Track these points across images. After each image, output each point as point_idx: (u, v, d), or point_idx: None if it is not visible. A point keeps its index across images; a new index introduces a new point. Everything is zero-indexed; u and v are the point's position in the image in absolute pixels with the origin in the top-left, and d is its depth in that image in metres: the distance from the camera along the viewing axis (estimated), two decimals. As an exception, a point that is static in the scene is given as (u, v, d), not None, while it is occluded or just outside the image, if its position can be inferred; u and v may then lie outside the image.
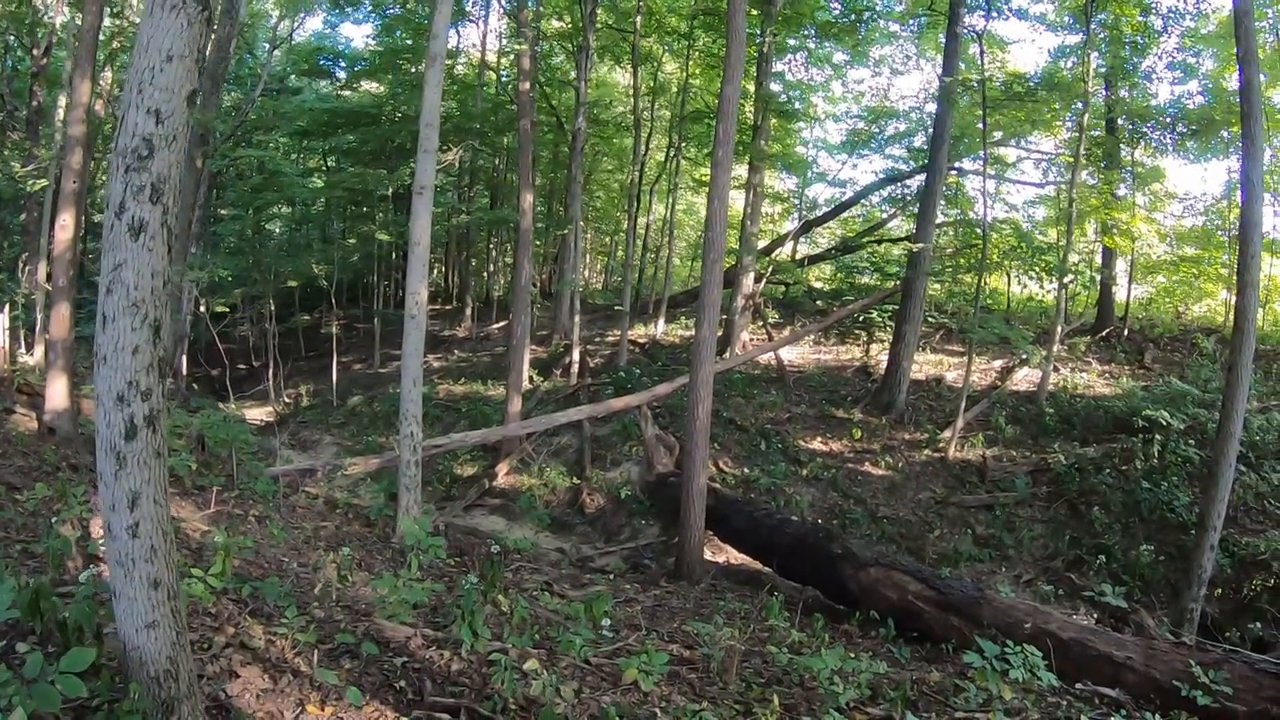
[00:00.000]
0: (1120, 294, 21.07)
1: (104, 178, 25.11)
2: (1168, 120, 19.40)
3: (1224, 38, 17.76)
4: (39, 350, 14.03)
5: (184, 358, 20.79)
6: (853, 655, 6.51)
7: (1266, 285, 15.84)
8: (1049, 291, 19.66)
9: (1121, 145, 20.03)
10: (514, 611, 6.21)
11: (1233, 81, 12.06)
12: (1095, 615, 9.58)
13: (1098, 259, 20.95)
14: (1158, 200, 22.63)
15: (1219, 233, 21.16)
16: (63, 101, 16.17)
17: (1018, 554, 11.93)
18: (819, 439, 15.45)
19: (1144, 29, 17.71)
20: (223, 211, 29.68)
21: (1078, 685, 6.53)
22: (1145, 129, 19.96)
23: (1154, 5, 17.31)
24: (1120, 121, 19.73)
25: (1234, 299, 11.37)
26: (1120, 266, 21.26)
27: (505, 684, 4.65)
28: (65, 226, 10.36)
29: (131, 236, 2.92)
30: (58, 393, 10.10)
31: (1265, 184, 12.34)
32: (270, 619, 5.15)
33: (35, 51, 17.50)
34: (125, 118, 2.96)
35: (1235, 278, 10.83)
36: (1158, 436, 12.79)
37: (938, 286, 20.95)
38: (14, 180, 15.17)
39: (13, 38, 18.59)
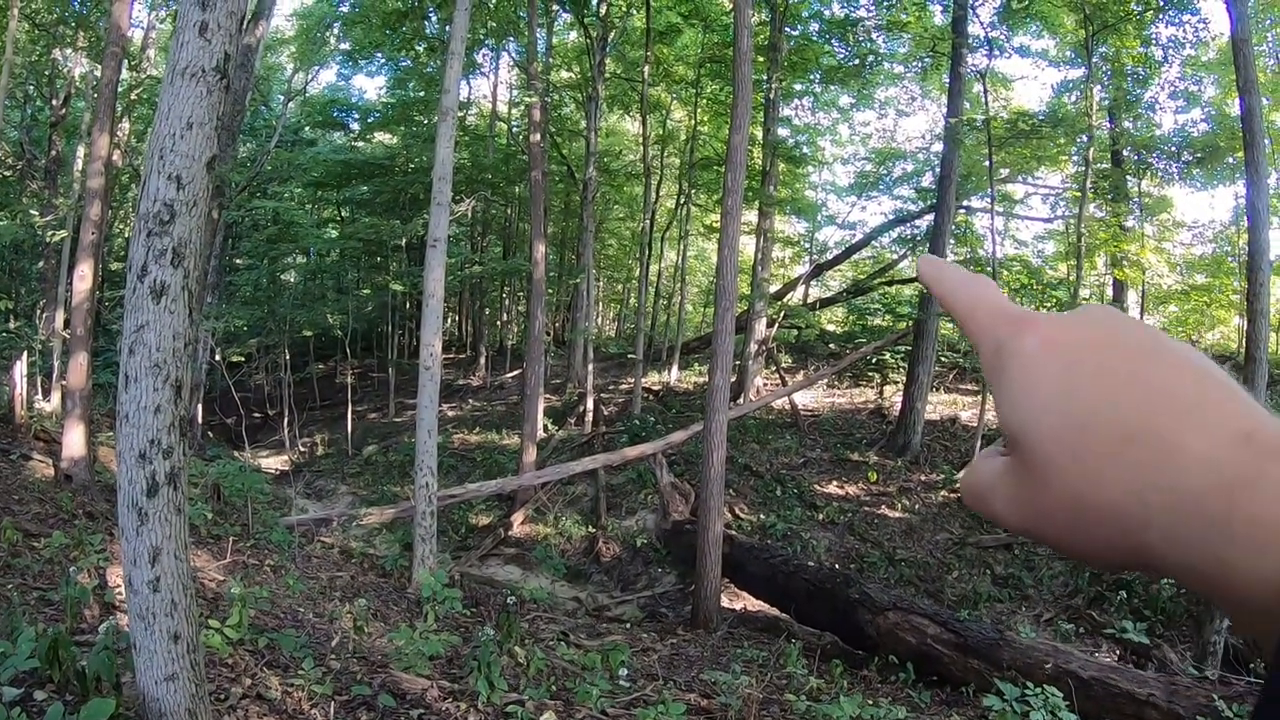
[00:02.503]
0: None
1: (121, 226, 25.57)
2: (1173, 149, 19.43)
3: (1225, 64, 17.86)
4: (55, 397, 14.15)
5: (199, 407, 20.92)
6: (871, 701, 6.44)
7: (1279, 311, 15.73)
8: (1061, 328, 19.59)
9: (1128, 176, 20.10)
10: (530, 662, 6.19)
11: (1235, 106, 12.11)
12: (1117, 652, 9.44)
13: (1109, 292, 20.94)
14: (1166, 230, 22.67)
15: (1229, 259, 21.12)
16: (81, 151, 16.48)
17: (1037, 593, 11.79)
18: (834, 483, 15.38)
19: (1145, 60, 17.84)
20: (238, 261, 30.01)
21: (1102, 728, 6.44)
22: (1151, 159, 20.02)
23: (1154, 36, 17.39)
24: (1126, 153, 19.81)
25: (1245, 326, 11.35)
26: (1132, 298, 21.22)
27: (522, 735, 4.63)
28: (84, 277, 10.50)
29: (154, 299, 3.00)
30: (75, 441, 10.17)
31: (1272, 208, 12.34)
32: (287, 670, 5.15)
33: (54, 102, 17.86)
34: (147, 183, 3.06)
35: (1246, 306, 10.82)
36: (1176, 469, 12.69)
37: (950, 326, 20.93)
38: (33, 229, 15.41)
39: (32, 87, 19.01)
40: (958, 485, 14.22)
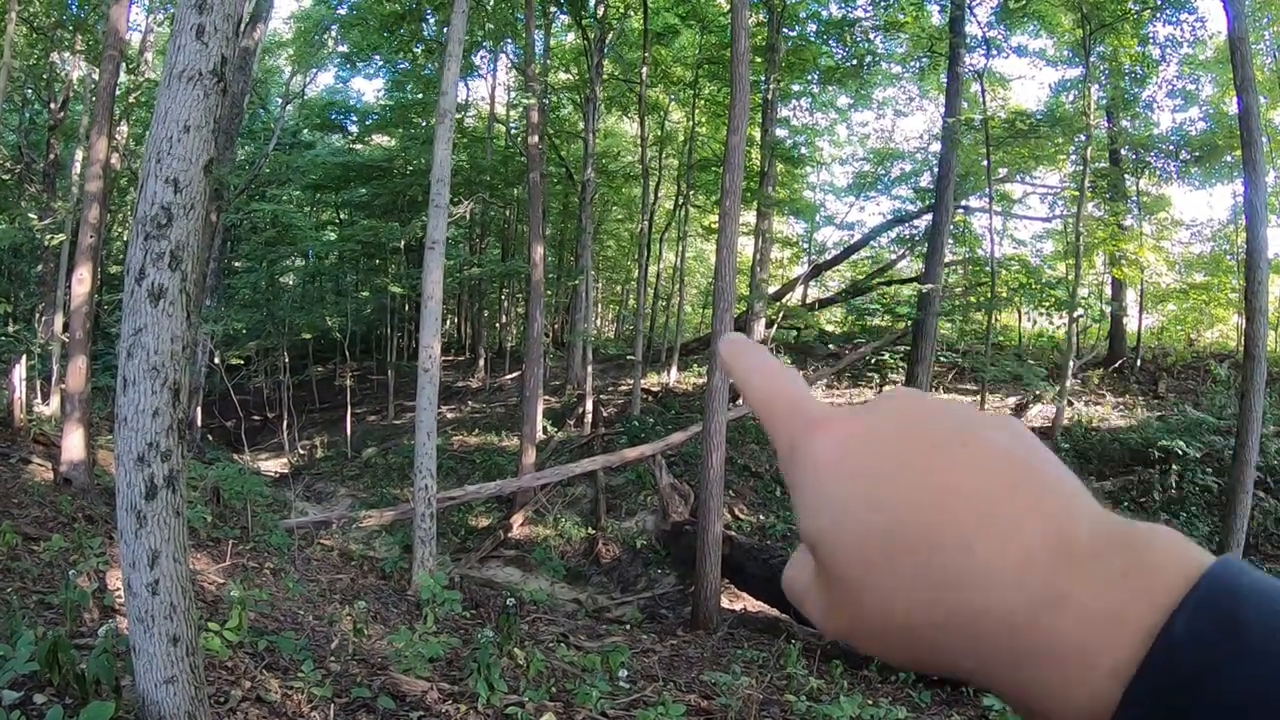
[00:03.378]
0: (1131, 324, 21.00)
1: (119, 229, 25.56)
2: (1171, 148, 19.47)
3: (1222, 63, 17.87)
4: (55, 400, 14.15)
5: (199, 410, 20.92)
6: (872, 702, 6.44)
7: (1278, 309, 15.74)
8: (1059, 326, 19.66)
9: (1126, 175, 20.13)
10: (530, 664, 6.19)
11: (1233, 105, 12.12)
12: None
13: (1107, 291, 20.98)
14: (1164, 228, 22.69)
15: (1227, 257, 21.13)
16: (79, 155, 16.47)
17: (1038, 593, 11.78)
18: (834, 482, 15.36)
19: (1142, 59, 17.87)
20: (237, 264, 30.01)
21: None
22: (1149, 158, 20.06)
23: (1151, 35, 17.44)
24: (1124, 152, 19.84)
25: (1244, 324, 11.37)
26: (1130, 297, 21.23)
27: (522, 737, 4.63)
28: (82, 280, 10.49)
29: (151, 302, 3.00)
30: (74, 444, 10.17)
31: (1270, 207, 12.38)
32: (286, 672, 5.15)
33: (52, 105, 17.85)
34: (144, 187, 3.05)
35: (1245, 304, 10.83)
36: (1174, 467, 12.71)
37: (949, 325, 20.96)
38: (31, 233, 15.40)
39: (30, 91, 19.00)
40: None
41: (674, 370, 23.58)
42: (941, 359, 19.99)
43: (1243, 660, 0.27)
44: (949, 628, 0.33)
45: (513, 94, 29.11)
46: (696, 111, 23.19)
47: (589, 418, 19.70)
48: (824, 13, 20.55)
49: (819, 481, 0.38)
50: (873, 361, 21.39)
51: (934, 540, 0.33)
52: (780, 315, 22.65)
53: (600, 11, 20.62)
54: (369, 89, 42.51)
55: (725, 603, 11.29)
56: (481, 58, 27.18)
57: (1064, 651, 0.30)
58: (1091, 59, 17.08)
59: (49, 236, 14.99)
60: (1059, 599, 0.31)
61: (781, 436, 0.42)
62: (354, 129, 31.69)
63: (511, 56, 25.17)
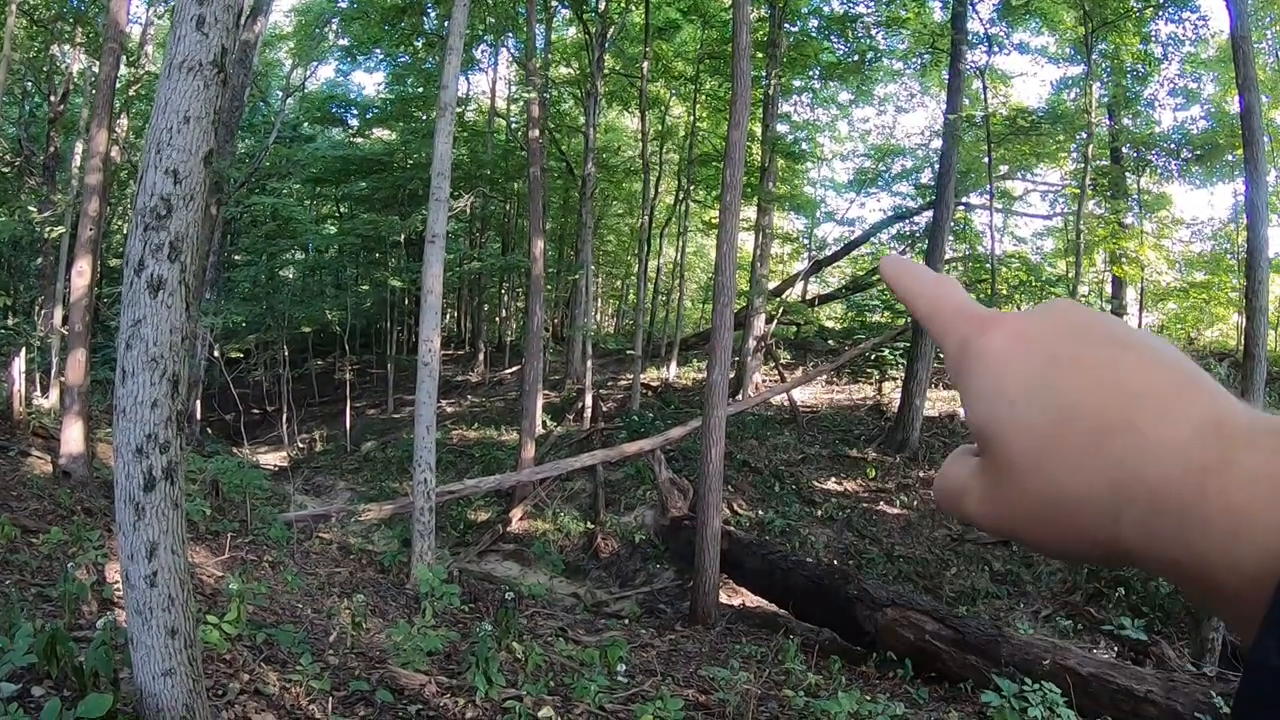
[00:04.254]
0: (1131, 323, 20.94)
1: (119, 223, 25.53)
2: (1172, 146, 19.46)
3: (1224, 61, 17.87)
4: (54, 393, 14.15)
5: (198, 403, 20.92)
6: (869, 698, 6.44)
7: (1278, 308, 15.74)
8: (1060, 325, 19.61)
9: (1127, 173, 20.11)
10: (528, 658, 6.19)
11: (1235, 104, 12.11)
12: (1115, 649, 9.45)
13: (1108, 288, 20.98)
14: (1165, 227, 22.67)
15: (1228, 256, 21.11)
16: (79, 148, 16.43)
17: (1036, 589, 11.80)
18: (833, 479, 15.39)
19: (1144, 57, 17.86)
20: (237, 258, 29.97)
21: (1099, 722, 6.45)
22: (1150, 156, 20.05)
23: (1153, 33, 17.42)
24: (1125, 150, 19.82)
25: (1244, 323, 11.37)
26: (1130, 295, 21.24)
27: (520, 730, 4.63)
28: (82, 273, 10.49)
29: (150, 294, 2.99)
30: (73, 437, 10.17)
31: (1271, 206, 12.37)
32: (285, 666, 5.16)
33: (52, 98, 17.80)
34: (144, 178, 3.04)
35: (1245, 303, 10.83)
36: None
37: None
38: (31, 225, 15.37)
39: (30, 83, 18.96)
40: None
41: (674, 365, 23.57)
42: (941, 355, 19.93)
43: None
44: (1124, 498, 0.35)
45: (513, 88, 29.07)
46: (697, 106, 23.15)
47: (588, 412, 19.70)
48: (826, 8, 20.57)
49: (995, 371, 0.41)
50: (872, 358, 21.37)
51: (1108, 421, 0.36)
52: (780, 311, 22.63)
53: (602, 6, 20.58)
54: (369, 82, 42.29)
55: (724, 598, 11.29)
56: (482, 52, 27.17)
57: (1235, 509, 0.31)
58: (1093, 56, 17.06)
59: (49, 229, 14.97)
60: (1225, 465, 0.32)
61: (950, 336, 0.45)
62: (354, 122, 31.65)
63: (512, 50, 25.13)
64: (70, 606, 5.13)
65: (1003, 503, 0.40)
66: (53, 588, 5.73)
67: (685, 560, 12.12)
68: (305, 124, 32.25)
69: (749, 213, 21.90)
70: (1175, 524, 0.33)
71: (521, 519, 15.20)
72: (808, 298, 27.32)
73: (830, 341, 24.30)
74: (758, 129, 19.94)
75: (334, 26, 24.56)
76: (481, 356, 28.30)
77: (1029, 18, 18.85)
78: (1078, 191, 18.16)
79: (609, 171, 27.07)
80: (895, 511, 14.03)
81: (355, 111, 31.53)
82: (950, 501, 0.45)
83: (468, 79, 29.20)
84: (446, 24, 13.90)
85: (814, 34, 20.37)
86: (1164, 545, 0.34)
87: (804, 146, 23.71)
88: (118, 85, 12.21)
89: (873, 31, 20.07)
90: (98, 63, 12.26)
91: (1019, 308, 21.30)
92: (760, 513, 14.16)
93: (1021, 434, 0.38)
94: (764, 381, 20.98)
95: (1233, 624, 0.33)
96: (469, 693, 5.25)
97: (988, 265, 16.93)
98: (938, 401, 18.35)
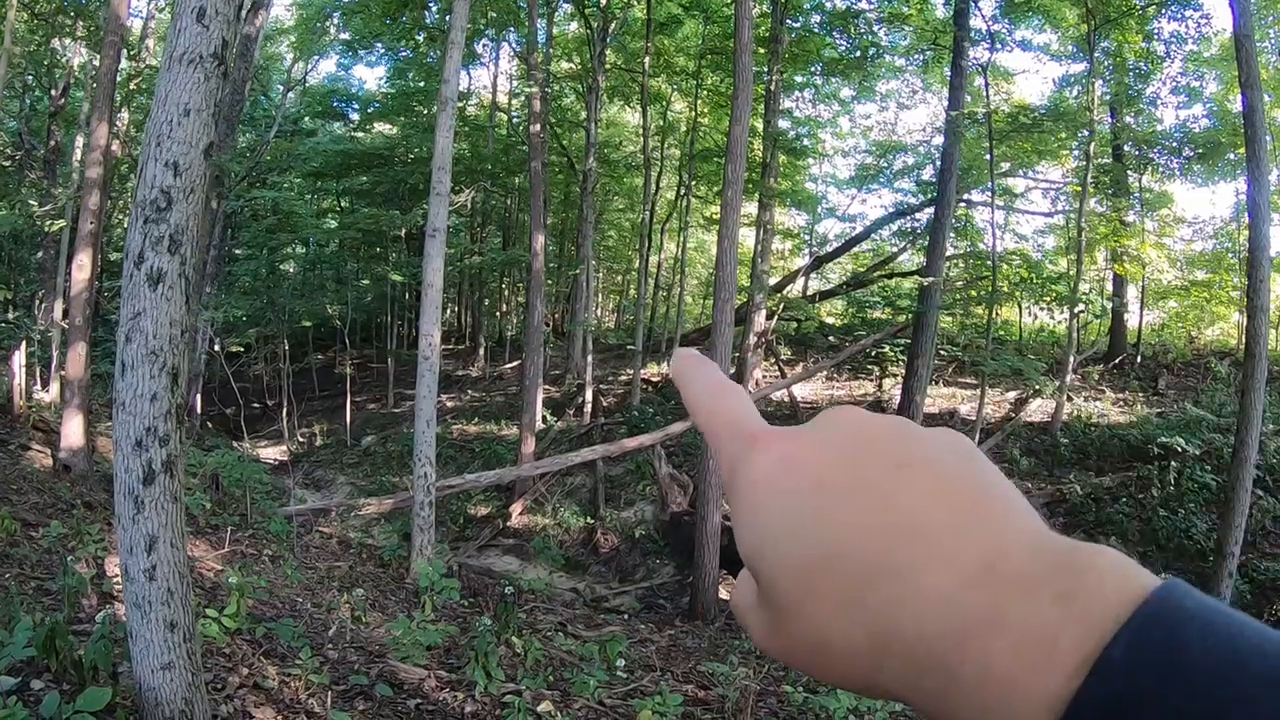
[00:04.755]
0: (1132, 321, 20.97)
1: (120, 216, 25.54)
2: (1174, 145, 19.38)
3: (1227, 60, 17.80)
4: (54, 387, 14.15)
5: (198, 397, 20.92)
6: (869, 693, 6.44)
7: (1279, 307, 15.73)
8: (1060, 321, 19.63)
9: (1129, 171, 20.07)
10: (528, 653, 6.19)
11: (1237, 102, 12.09)
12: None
13: (1108, 287, 20.94)
14: (1167, 225, 22.60)
15: (1229, 255, 21.07)
16: (80, 141, 16.43)
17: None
18: (833, 474, 15.38)
19: (1147, 55, 17.82)
20: (237, 252, 29.97)
21: None
22: (1152, 154, 19.98)
23: (1156, 31, 17.37)
24: (1127, 148, 19.77)
25: (1245, 322, 11.36)
26: (1131, 293, 21.19)
27: (519, 725, 4.64)
28: (82, 266, 10.48)
29: (150, 286, 2.99)
30: (73, 431, 10.17)
31: (1273, 205, 12.34)
32: (284, 660, 5.16)
33: (53, 91, 17.81)
34: (144, 170, 3.04)
35: (1246, 302, 10.83)
36: (1173, 464, 12.71)
37: (949, 319, 20.91)
38: (32, 219, 15.38)
39: (31, 77, 18.96)
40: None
41: (674, 361, 23.50)
42: (942, 352, 19.96)
43: (1183, 690, 0.25)
44: (883, 653, 0.32)
45: (515, 83, 29.05)
46: (699, 102, 23.12)
47: (589, 407, 19.71)
48: (828, 4, 20.47)
49: (757, 501, 0.37)
50: (873, 354, 21.36)
51: (870, 565, 0.32)
52: (781, 307, 22.59)
53: (603, 1, 20.55)
54: (370, 77, 42.51)
55: (723, 593, 11.30)
56: (484, 46, 27.10)
57: (996, 677, 0.28)
58: (1096, 54, 17.02)
59: (49, 223, 14.96)
60: (992, 622, 0.29)
61: (723, 454, 0.42)
62: (355, 116, 31.62)
63: (514, 45, 25.14)
64: (70, 600, 5.13)
65: (779, 637, 0.37)
66: (52, 581, 5.73)
67: (685, 556, 12.13)
68: (306, 118, 32.21)
69: (750, 208, 21.86)
70: (934, 683, 0.30)
71: (521, 514, 15.22)
72: (808, 294, 27.28)
73: (831, 338, 24.27)
74: (759, 125, 19.89)
75: (335, 20, 24.51)
76: (482, 351, 28.30)
77: (1031, 15, 18.80)
78: (1079, 189, 18.11)
79: (610, 166, 27.03)
80: (895, 508, 14.02)
81: (356, 106, 31.51)
82: (740, 620, 0.41)
83: (469, 74, 29.20)
84: (448, 18, 13.87)
85: (816, 30, 20.33)
86: (927, 703, 0.31)
87: (805, 142, 23.69)
88: (119, 79, 12.20)
89: (875, 28, 20.05)
90: (98, 57, 12.25)
91: (1019, 306, 21.20)
92: (760, 509, 14.15)
93: (783, 573, 0.35)
94: (764, 377, 20.98)
95: None
96: (468, 687, 5.26)
97: (989, 262, 16.86)
98: (938, 399, 18.37)
